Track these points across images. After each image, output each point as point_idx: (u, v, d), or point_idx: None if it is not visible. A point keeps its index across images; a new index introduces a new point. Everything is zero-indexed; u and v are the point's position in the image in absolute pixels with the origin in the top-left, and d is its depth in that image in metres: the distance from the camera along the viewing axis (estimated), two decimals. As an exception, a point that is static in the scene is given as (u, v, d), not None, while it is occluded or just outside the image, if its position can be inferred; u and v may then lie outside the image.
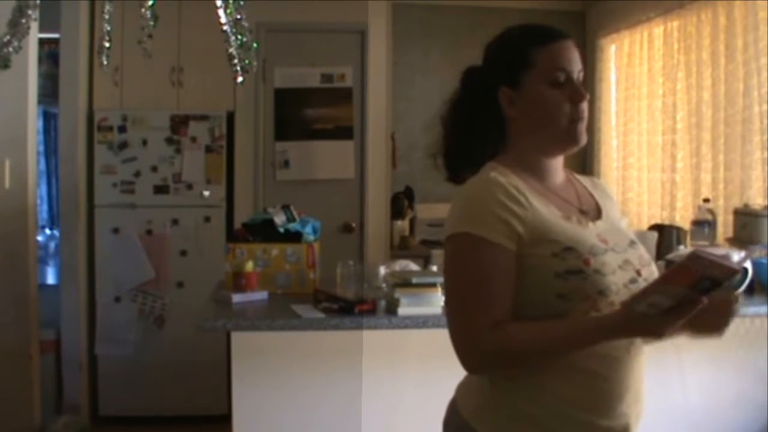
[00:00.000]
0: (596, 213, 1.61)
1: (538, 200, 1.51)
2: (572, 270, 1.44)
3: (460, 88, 1.64)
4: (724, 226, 3.85)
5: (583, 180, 1.70)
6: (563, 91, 1.52)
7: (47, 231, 5.38)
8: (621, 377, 1.48)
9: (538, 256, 1.45)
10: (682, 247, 3.45)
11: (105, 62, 3.03)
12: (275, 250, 3.24)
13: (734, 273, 1.30)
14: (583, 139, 1.55)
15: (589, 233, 1.52)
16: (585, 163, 5.50)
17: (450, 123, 1.64)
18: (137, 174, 4.60)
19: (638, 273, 1.51)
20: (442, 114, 1.65)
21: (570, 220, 1.53)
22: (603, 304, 1.44)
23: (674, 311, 1.32)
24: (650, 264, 1.57)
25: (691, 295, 1.30)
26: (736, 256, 1.42)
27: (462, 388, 1.61)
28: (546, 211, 1.50)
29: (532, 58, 1.52)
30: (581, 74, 1.55)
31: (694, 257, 1.28)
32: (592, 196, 1.66)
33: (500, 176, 1.51)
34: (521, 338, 1.43)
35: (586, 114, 1.54)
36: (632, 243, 1.59)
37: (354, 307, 2.78)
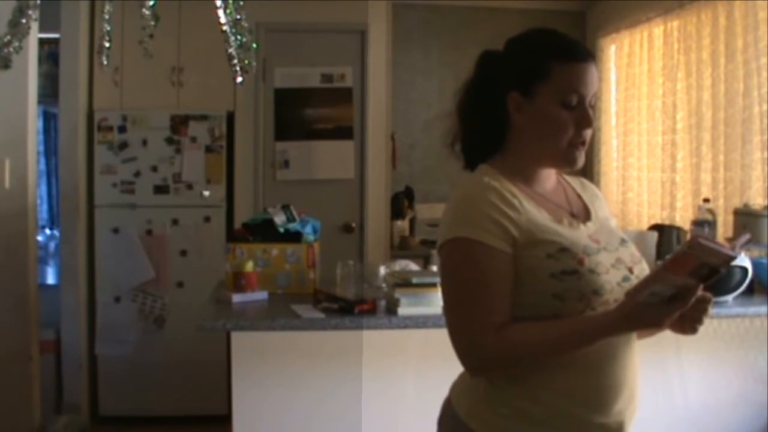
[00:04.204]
0: (586, 214, 1.62)
1: (530, 204, 1.52)
2: (567, 270, 1.45)
3: (475, 74, 1.62)
4: (724, 226, 3.85)
5: (572, 181, 1.71)
6: (571, 113, 1.51)
7: (47, 231, 5.38)
8: (618, 373, 1.49)
9: (532, 257, 1.46)
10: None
11: (105, 62, 3.03)
12: (275, 250, 3.24)
13: (731, 260, 1.32)
14: (580, 163, 1.55)
15: (581, 234, 1.53)
16: (585, 162, 5.49)
17: (464, 109, 1.63)
18: (137, 174, 4.60)
19: (630, 270, 1.53)
20: (457, 100, 1.63)
21: (561, 223, 1.54)
22: (597, 303, 1.45)
23: (675, 300, 1.34)
24: (641, 261, 1.59)
25: (690, 283, 1.33)
26: (742, 239, 1.43)
27: (456, 387, 1.61)
28: (538, 215, 1.51)
29: (550, 71, 1.51)
30: (594, 99, 1.54)
31: (695, 244, 1.30)
32: (580, 197, 1.67)
33: (493, 180, 1.52)
34: (523, 340, 1.44)
35: (588, 140, 1.54)
36: (623, 241, 1.60)
37: (354, 307, 2.78)
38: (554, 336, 1.44)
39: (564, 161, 1.56)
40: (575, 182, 1.71)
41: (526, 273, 1.46)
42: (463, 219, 1.48)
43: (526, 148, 1.57)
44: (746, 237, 1.47)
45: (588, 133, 1.53)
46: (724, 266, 1.32)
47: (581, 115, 1.52)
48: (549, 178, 1.62)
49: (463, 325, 1.47)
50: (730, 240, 3.57)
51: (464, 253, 1.47)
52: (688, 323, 1.44)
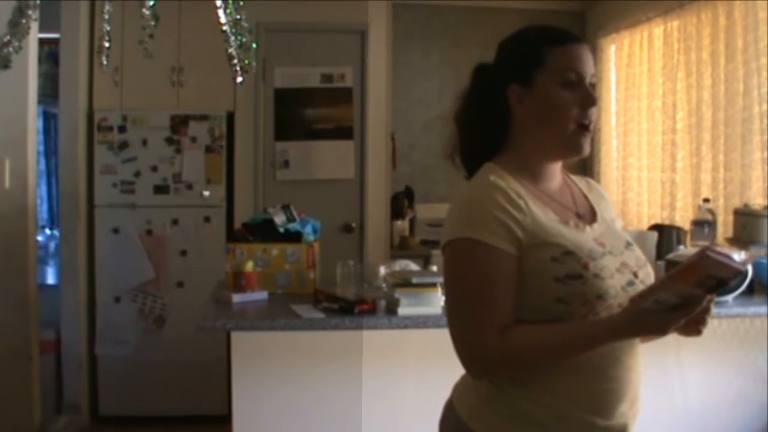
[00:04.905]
0: (591, 216, 1.61)
1: (536, 205, 1.50)
2: (572, 274, 1.44)
3: (470, 85, 1.62)
4: (724, 226, 3.85)
5: (578, 181, 1.69)
6: (574, 94, 1.50)
7: (47, 231, 5.38)
8: (621, 377, 1.48)
9: (537, 260, 1.45)
10: (681, 247, 3.45)
11: (105, 62, 3.03)
12: (275, 250, 3.24)
13: (739, 273, 1.32)
14: (586, 150, 1.54)
15: (587, 237, 1.52)
16: (585, 163, 5.51)
17: (462, 120, 1.62)
18: (137, 174, 4.60)
19: (635, 275, 1.51)
20: (455, 111, 1.63)
21: (567, 224, 1.52)
22: (601, 308, 1.44)
23: (679, 309, 1.33)
24: (646, 265, 1.57)
25: (695, 293, 1.32)
26: (737, 257, 1.43)
27: (458, 388, 1.60)
28: (544, 216, 1.50)
29: (545, 57, 1.51)
30: (594, 79, 1.54)
31: (704, 257, 1.28)
32: (586, 198, 1.65)
33: (499, 180, 1.51)
34: (527, 343, 1.43)
35: (593, 121, 1.53)
36: (628, 245, 1.58)
37: (354, 307, 2.78)
38: (557, 339, 1.43)
39: (570, 147, 1.53)
40: (581, 182, 1.69)
41: (530, 276, 1.45)
42: (468, 219, 1.47)
43: (531, 141, 1.55)
44: (743, 256, 1.46)
45: (593, 112, 1.52)
46: (732, 279, 1.32)
47: (584, 95, 1.51)
48: (555, 176, 1.60)
49: (465, 326, 1.46)
50: (731, 240, 3.57)
51: (468, 253, 1.46)
52: (692, 325, 1.42)
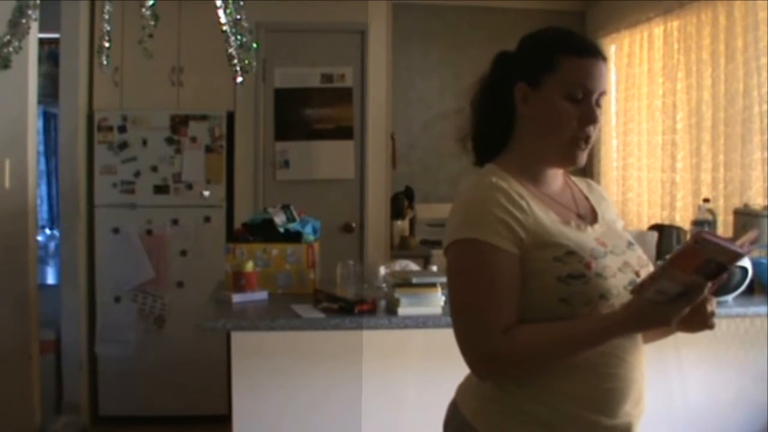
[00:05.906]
0: (592, 216, 1.61)
1: (537, 206, 1.51)
2: (574, 274, 1.44)
3: (490, 72, 1.62)
4: (724, 226, 3.86)
5: (579, 182, 1.70)
6: (577, 108, 1.50)
7: (47, 231, 5.38)
8: (625, 375, 1.48)
9: (540, 260, 1.45)
10: (681, 247, 3.45)
11: (105, 62, 3.03)
12: (275, 250, 3.24)
13: (739, 257, 1.30)
14: (580, 162, 1.54)
15: (588, 237, 1.52)
16: (585, 162, 5.49)
17: (477, 106, 1.62)
18: (137, 174, 4.60)
19: (637, 274, 1.51)
20: (472, 95, 1.62)
21: (569, 224, 1.52)
22: (604, 308, 1.44)
23: (681, 298, 1.33)
24: (648, 265, 1.57)
25: (697, 281, 1.31)
26: (750, 235, 1.39)
27: (462, 389, 1.60)
28: (546, 217, 1.50)
29: (557, 64, 1.50)
30: (602, 97, 1.52)
31: (701, 240, 1.27)
32: (587, 199, 1.66)
33: (501, 181, 1.51)
34: (531, 342, 1.43)
35: (591, 137, 1.52)
36: (630, 244, 1.59)
37: (354, 307, 2.78)
38: (562, 337, 1.43)
39: (565, 158, 1.54)
40: (582, 183, 1.70)
41: (532, 276, 1.45)
42: (471, 220, 1.47)
43: (531, 144, 1.55)
44: (755, 234, 1.44)
45: (591, 129, 1.51)
46: (732, 263, 1.29)
47: (586, 111, 1.50)
48: (556, 178, 1.61)
49: (470, 327, 1.46)
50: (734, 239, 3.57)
51: (471, 254, 1.45)
52: (699, 319, 1.41)
